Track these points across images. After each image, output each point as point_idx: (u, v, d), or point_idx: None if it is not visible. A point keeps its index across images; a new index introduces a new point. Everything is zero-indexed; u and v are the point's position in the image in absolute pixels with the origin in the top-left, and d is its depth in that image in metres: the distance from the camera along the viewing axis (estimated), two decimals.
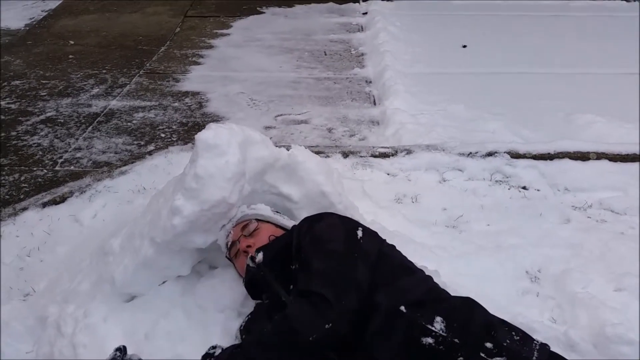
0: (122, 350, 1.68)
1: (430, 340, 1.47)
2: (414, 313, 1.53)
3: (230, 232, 1.94)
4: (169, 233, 1.85)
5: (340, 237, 1.72)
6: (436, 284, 1.74)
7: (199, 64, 5.04)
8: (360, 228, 1.79)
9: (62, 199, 2.75)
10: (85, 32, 5.81)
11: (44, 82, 4.60)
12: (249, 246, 1.85)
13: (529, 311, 2.06)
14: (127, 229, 2.08)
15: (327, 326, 1.48)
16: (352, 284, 1.57)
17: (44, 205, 2.71)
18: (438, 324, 1.50)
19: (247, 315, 1.87)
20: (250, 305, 1.92)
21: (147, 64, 5.01)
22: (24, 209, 2.68)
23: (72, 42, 5.52)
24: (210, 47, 5.46)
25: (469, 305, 1.62)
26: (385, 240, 1.86)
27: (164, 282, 2.02)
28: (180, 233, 1.85)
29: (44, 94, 4.37)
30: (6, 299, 2.17)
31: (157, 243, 1.88)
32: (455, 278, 2.12)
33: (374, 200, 2.66)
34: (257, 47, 5.43)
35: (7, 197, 3.00)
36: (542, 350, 1.50)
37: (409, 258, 2.16)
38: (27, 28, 5.92)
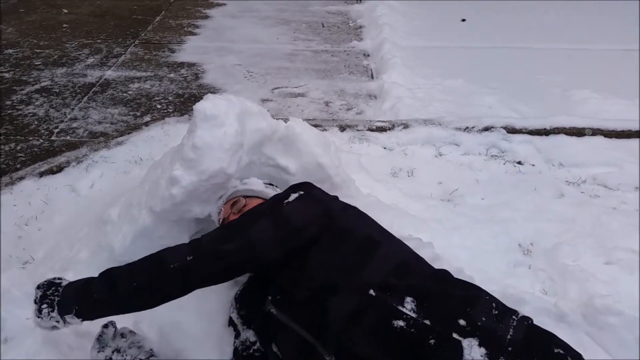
0: (108, 326, 1.71)
1: (401, 323, 1.38)
2: (383, 294, 1.44)
3: (221, 210, 1.96)
4: (167, 202, 1.87)
5: (268, 201, 1.75)
6: (408, 256, 1.62)
7: (194, 34, 4.99)
8: (298, 193, 1.71)
9: (59, 169, 2.75)
10: (79, 0, 5.71)
11: (38, 51, 4.54)
12: None
13: (520, 283, 2.10)
14: (125, 198, 2.09)
15: (188, 258, 1.53)
16: (236, 235, 1.59)
17: (41, 174, 2.71)
18: (409, 304, 1.41)
19: (242, 285, 1.89)
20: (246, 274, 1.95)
21: (142, 34, 4.95)
22: (21, 178, 2.68)
23: (65, 11, 5.44)
24: (206, 17, 5.39)
25: (442, 280, 1.53)
26: (348, 208, 1.74)
27: None
28: (178, 203, 1.86)
29: (39, 63, 4.33)
30: (5, 266, 2.18)
31: (156, 212, 1.90)
32: (449, 250, 2.16)
33: (370, 174, 2.67)
34: (253, 17, 5.37)
35: (3, 166, 3.00)
36: (519, 326, 1.38)
37: (405, 230, 2.19)
38: None
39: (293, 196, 1.70)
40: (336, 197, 1.82)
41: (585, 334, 1.89)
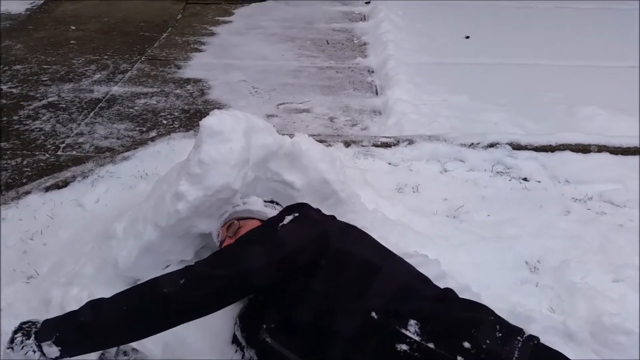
0: None
1: (404, 346, 1.36)
2: (386, 318, 1.42)
3: (219, 232, 1.95)
4: (172, 218, 1.86)
5: (262, 225, 1.73)
6: (410, 277, 1.61)
7: (200, 51, 5.03)
8: (293, 215, 1.68)
9: (65, 184, 2.76)
10: (86, 17, 5.78)
11: (45, 67, 4.59)
12: None
13: (528, 300, 2.08)
14: (131, 213, 2.09)
15: (181, 282, 1.50)
16: (229, 261, 1.55)
17: (47, 189, 2.71)
18: (412, 327, 1.39)
19: (245, 303, 1.87)
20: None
21: (149, 50, 4.99)
22: (27, 192, 2.68)
23: (73, 28, 5.50)
24: (212, 34, 5.44)
25: (446, 302, 1.51)
26: (346, 229, 1.72)
27: (167, 267, 2.03)
28: (184, 218, 1.86)
29: (46, 78, 4.37)
30: (9, 281, 2.18)
31: (161, 227, 1.90)
32: (455, 267, 2.14)
33: (375, 190, 2.66)
34: (259, 34, 5.41)
35: (9, 180, 3.01)
36: (524, 347, 1.35)
37: (410, 246, 2.18)
38: (28, 12, 5.89)
39: (287, 218, 1.67)
40: (334, 217, 1.80)
41: (593, 352, 1.87)
